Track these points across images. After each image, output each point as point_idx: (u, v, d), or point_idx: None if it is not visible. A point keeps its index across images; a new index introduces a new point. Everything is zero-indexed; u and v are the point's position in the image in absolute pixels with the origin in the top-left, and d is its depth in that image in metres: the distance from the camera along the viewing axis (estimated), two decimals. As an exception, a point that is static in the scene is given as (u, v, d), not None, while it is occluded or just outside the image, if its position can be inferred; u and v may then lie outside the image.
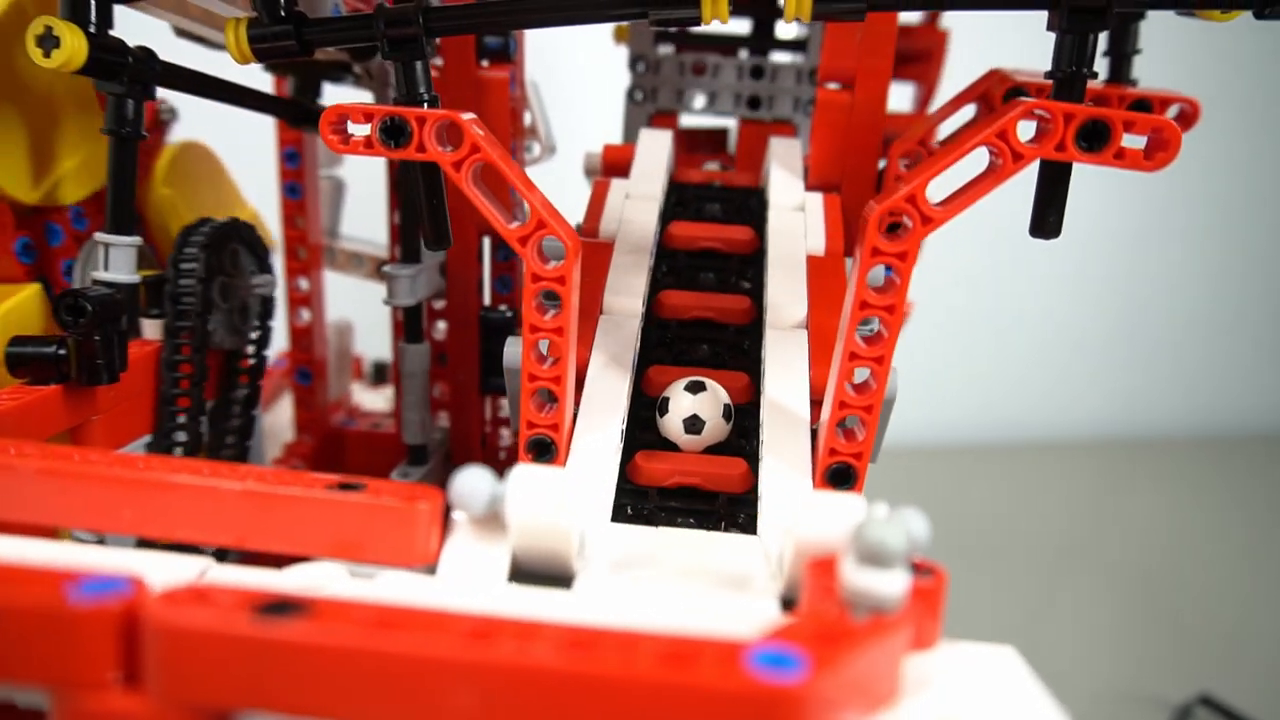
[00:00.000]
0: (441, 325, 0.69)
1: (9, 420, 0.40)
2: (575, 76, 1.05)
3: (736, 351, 0.49)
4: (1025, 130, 0.37)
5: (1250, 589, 1.16)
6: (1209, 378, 1.66)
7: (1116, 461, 1.51)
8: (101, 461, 0.31)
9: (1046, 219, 0.40)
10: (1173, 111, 0.52)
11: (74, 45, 0.39)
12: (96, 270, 0.44)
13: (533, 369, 0.42)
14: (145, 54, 0.43)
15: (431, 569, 0.31)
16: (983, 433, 1.57)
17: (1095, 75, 0.38)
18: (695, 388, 0.43)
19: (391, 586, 0.29)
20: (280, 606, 0.22)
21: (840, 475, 0.42)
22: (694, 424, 0.43)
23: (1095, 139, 0.36)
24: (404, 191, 0.58)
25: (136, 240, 0.45)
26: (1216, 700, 0.91)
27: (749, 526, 0.41)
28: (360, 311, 0.88)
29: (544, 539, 0.30)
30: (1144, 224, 1.58)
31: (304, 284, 0.70)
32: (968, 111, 0.57)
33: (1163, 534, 1.29)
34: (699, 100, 0.75)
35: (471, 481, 0.31)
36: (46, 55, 0.38)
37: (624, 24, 0.75)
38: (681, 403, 0.43)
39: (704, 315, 0.50)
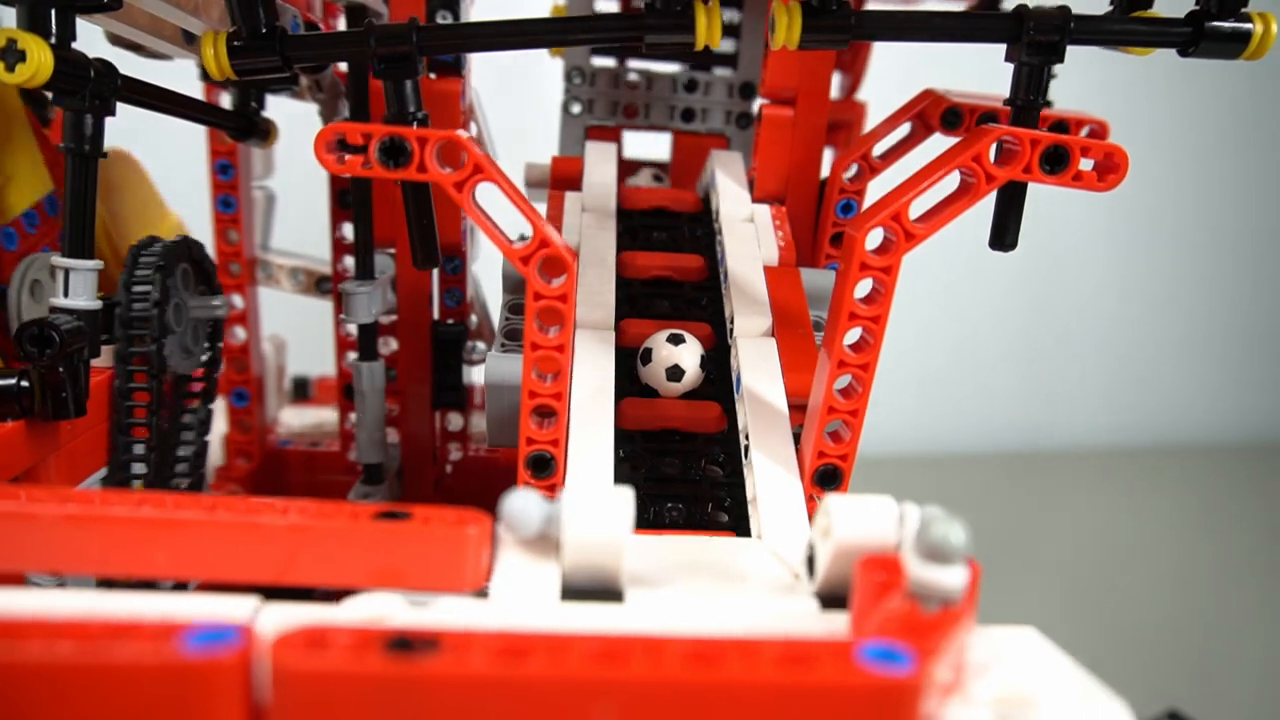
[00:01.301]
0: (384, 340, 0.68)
1: (-28, 462, 0.37)
2: (503, 86, 1.04)
3: (694, 305, 0.53)
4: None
5: (1220, 603, 1.14)
6: (1183, 387, 1.64)
7: (1082, 472, 1.48)
8: (129, 503, 0.29)
9: (1006, 233, 0.44)
10: (1084, 131, 0.58)
11: (40, 59, 0.36)
12: (56, 297, 0.41)
13: (533, 386, 0.42)
14: (106, 68, 0.41)
15: (482, 592, 0.31)
16: (952, 442, 1.54)
17: (1050, 103, 0.42)
18: (676, 340, 0.47)
19: (458, 612, 0.29)
20: (404, 642, 0.22)
21: (828, 476, 0.45)
22: (675, 372, 0.46)
23: (1056, 162, 0.40)
24: (357, 207, 0.57)
25: (98, 264, 0.42)
26: (1184, 717, 0.88)
27: (728, 467, 0.45)
28: (276, 327, 0.84)
29: (599, 556, 0.31)
30: (1130, 229, 1.57)
31: (238, 301, 0.67)
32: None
33: (1130, 546, 1.26)
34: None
35: (522, 503, 0.31)
36: (10, 70, 0.36)
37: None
38: (663, 353, 0.47)
39: (664, 274, 0.54)
